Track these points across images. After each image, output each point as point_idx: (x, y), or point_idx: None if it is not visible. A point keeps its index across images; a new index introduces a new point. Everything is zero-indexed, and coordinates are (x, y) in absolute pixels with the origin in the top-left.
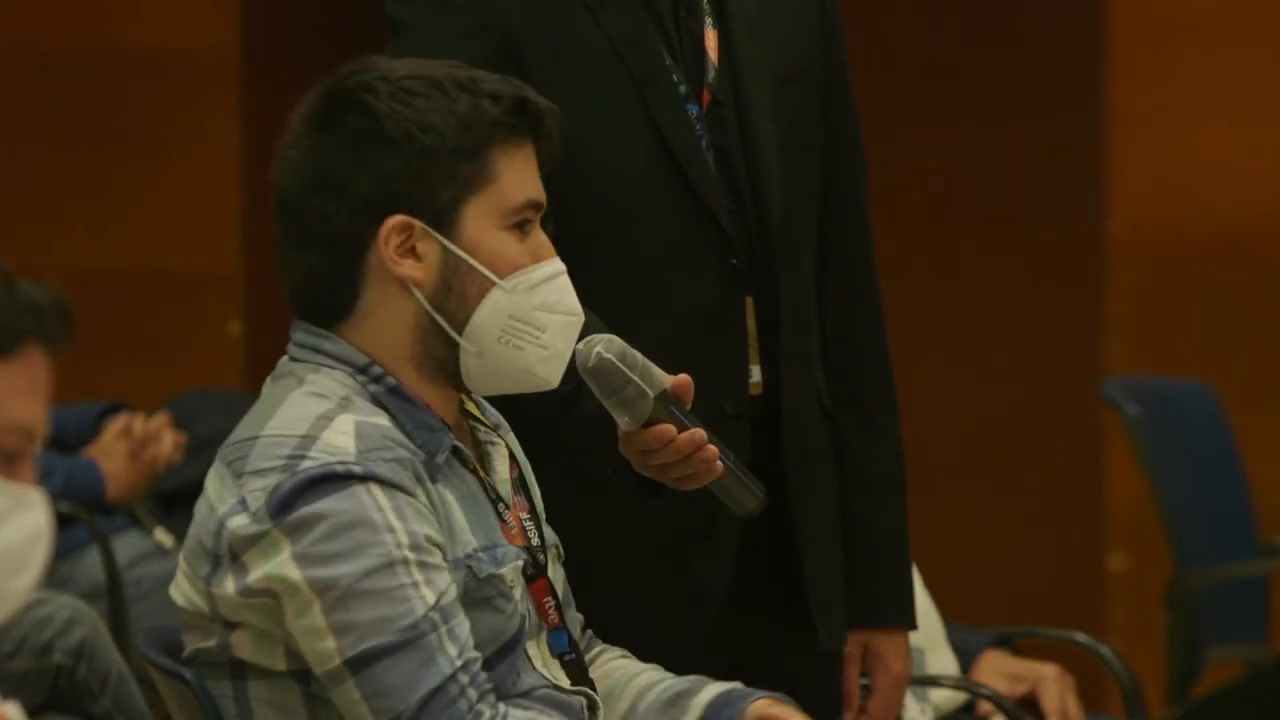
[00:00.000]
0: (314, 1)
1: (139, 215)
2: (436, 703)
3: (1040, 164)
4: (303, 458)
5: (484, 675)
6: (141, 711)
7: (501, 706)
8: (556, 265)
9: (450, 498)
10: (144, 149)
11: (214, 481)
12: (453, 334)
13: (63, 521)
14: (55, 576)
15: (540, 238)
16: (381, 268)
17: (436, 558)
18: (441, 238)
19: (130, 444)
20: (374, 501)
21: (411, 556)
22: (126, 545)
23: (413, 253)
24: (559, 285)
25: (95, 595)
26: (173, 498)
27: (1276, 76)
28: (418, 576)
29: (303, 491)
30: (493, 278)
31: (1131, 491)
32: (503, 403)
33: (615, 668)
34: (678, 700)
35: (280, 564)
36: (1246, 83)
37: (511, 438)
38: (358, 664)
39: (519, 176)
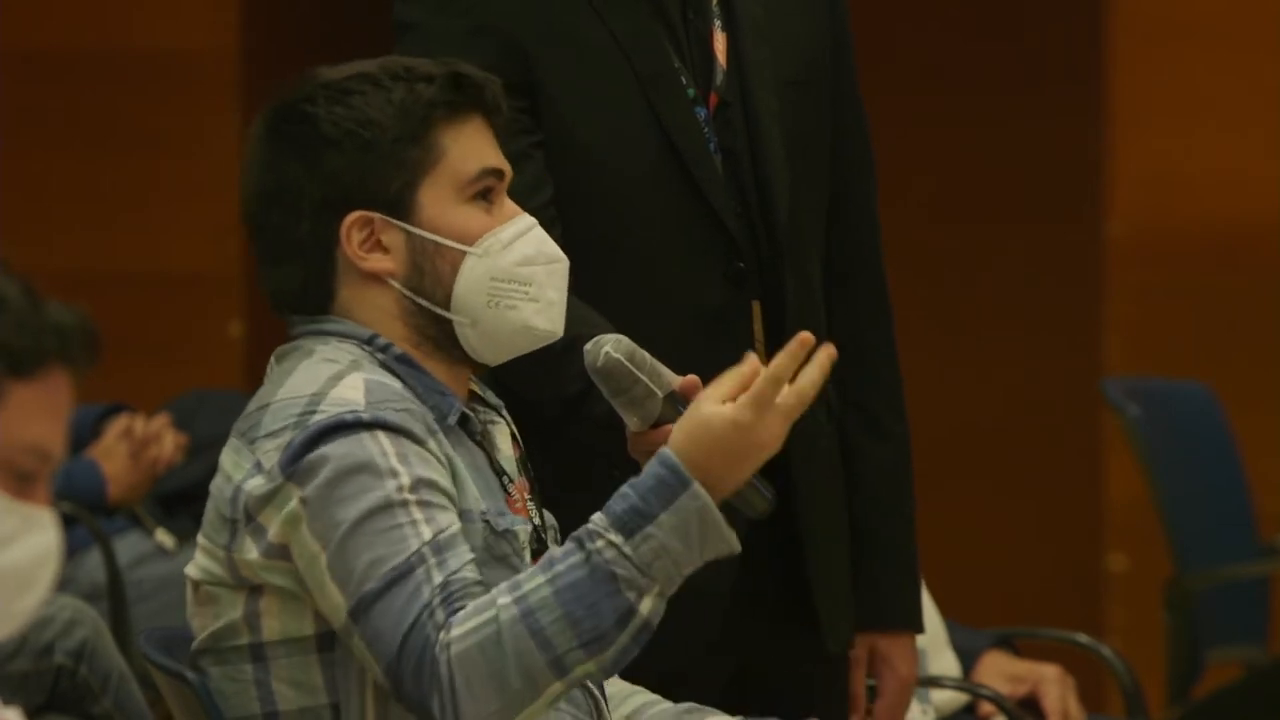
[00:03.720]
0: (314, 2)
1: (139, 215)
2: (412, 641)
3: (1040, 164)
4: (314, 413)
5: (471, 590)
6: (142, 712)
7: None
8: (526, 220)
9: (459, 462)
10: (144, 149)
11: (229, 455)
12: (439, 311)
13: (64, 522)
14: (56, 582)
15: (508, 204)
16: (351, 265)
17: (440, 499)
18: (402, 224)
19: (131, 445)
20: (379, 447)
21: (411, 497)
22: (127, 546)
23: (379, 246)
24: (535, 237)
25: (96, 596)
26: (173, 498)
27: (1276, 76)
28: (416, 515)
29: (312, 442)
30: (462, 247)
31: (1131, 492)
32: (509, 405)
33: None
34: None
35: (291, 512)
36: (1246, 83)
37: (510, 423)
38: (357, 613)
39: (469, 149)
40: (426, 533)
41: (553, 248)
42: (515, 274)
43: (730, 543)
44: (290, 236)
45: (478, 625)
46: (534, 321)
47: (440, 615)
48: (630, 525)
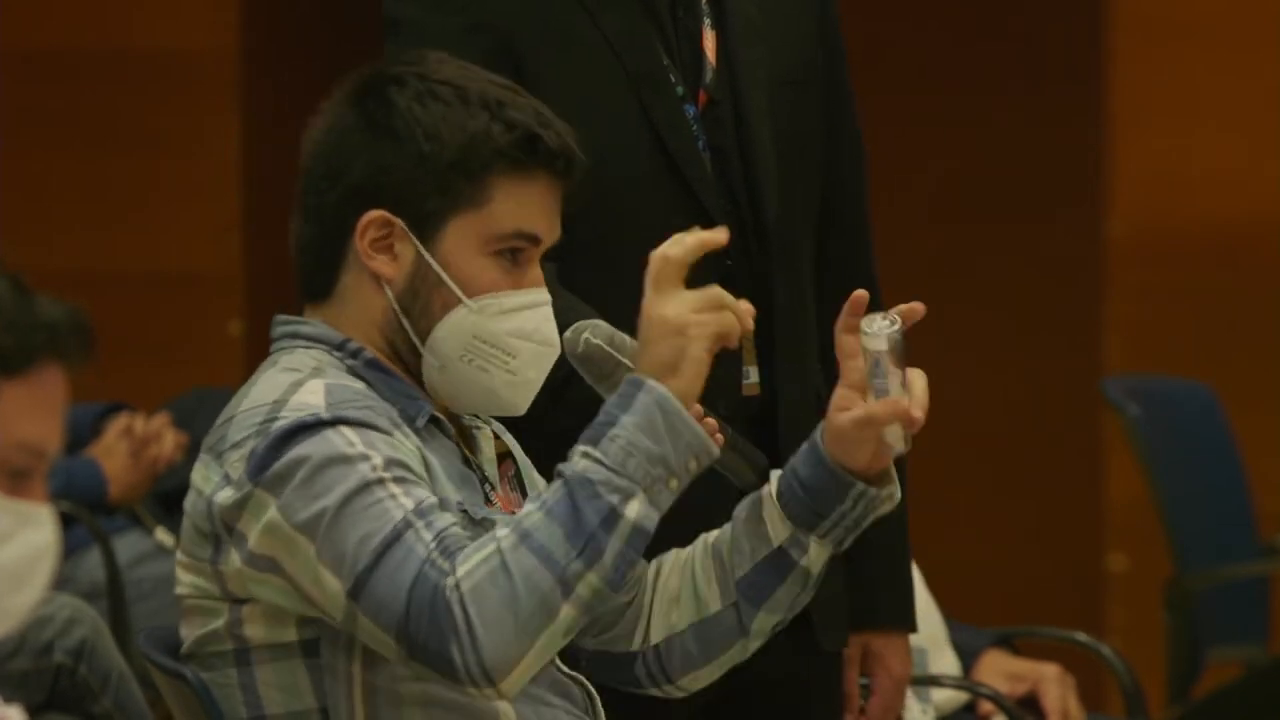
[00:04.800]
0: (314, 1)
1: (139, 215)
2: (418, 594)
3: (1040, 164)
4: (275, 419)
5: (464, 541)
6: (142, 711)
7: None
8: (540, 295)
9: (432, 458)
10: (144, 149)
11: (199, 470)
12: (415, 341)
13: (63, 521)
14: (56, 576)
15: (533, 272)
16: (358, 257)
17: (414, 477)
18: (418, 243)
19: (131, 444)
20: (344, 439)
21: (386, 474)
22: (127, 545)
23: (390, 250)
24: (539, 315)
25: (96, 595)
26: (173, 497)
27: (1276, 77)
28: (394, 489)
29: (275, 447)
30: (459, 295)
31: (1131, 492)
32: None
33: (668, 557)
34: (750, 516)
35: (271, 518)
36: (1246, 83)
37: (508, 435)
38: (356, 592)
39: (516, 207)
40: (408, 503)
41: (551, 332)
42: (502, 341)
43: (702, 439)
44: (320, 200)
45: (482, 558)
46: (501, 391)
47: (443, 563)
48: (597, 434)
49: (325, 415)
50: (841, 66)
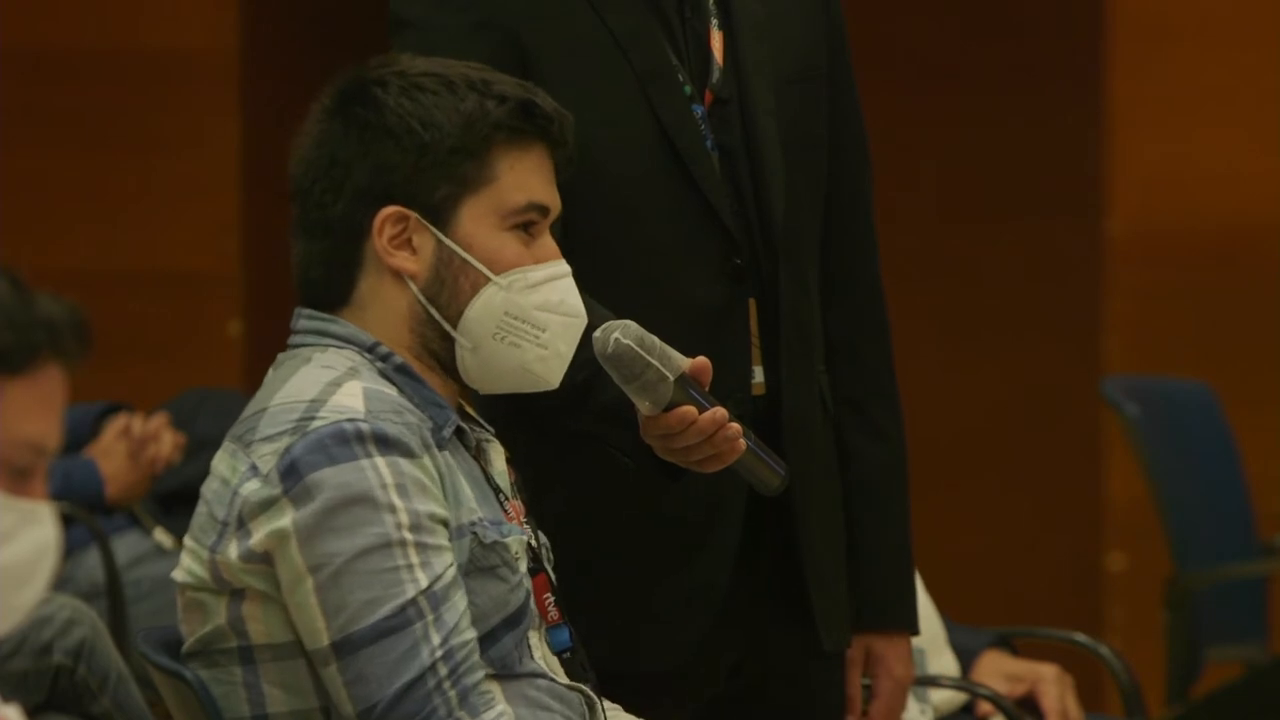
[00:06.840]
0: (314, 1)
1: (139, 215)
2: (411, 696)
3: (1040, 164)
4: (312, 419)
5: (473, 663)
6: (141, 711)
7: (496, 708)
8: (561, 267)
9: (457, 471)
10: (144, 149)
11: (223, 458)
12: (447, 327)
13: (62, 521)
14: (56, 575)
15: (547, 242)
16: (377, 258)
17: (438, 537)
18: (436, 231)
19: (130, 444)
20: (379, 477)
21: (410, 537)
22: (126, 545)
23: (408, 245)
24: (562, 286)
25: (94, 595)
26: (172, 498)
27: (1276, 77)
28: (414, 559)
29: (312, 451)
30: (487, 273)
31: (1131, 491)
32: (513, 395)
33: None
34: None
35: (283, 527)
36: (1246, 83)
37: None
38: (342, 648)
39: (521, 178)
40: (423, 579)
41: (576, 302)
42: (531, 316)
43: None
44: (325, 213)
45: None
46: (533, 366)
47: (453, 696)
48: None
49: (364, 424)
50: (846, 66)
